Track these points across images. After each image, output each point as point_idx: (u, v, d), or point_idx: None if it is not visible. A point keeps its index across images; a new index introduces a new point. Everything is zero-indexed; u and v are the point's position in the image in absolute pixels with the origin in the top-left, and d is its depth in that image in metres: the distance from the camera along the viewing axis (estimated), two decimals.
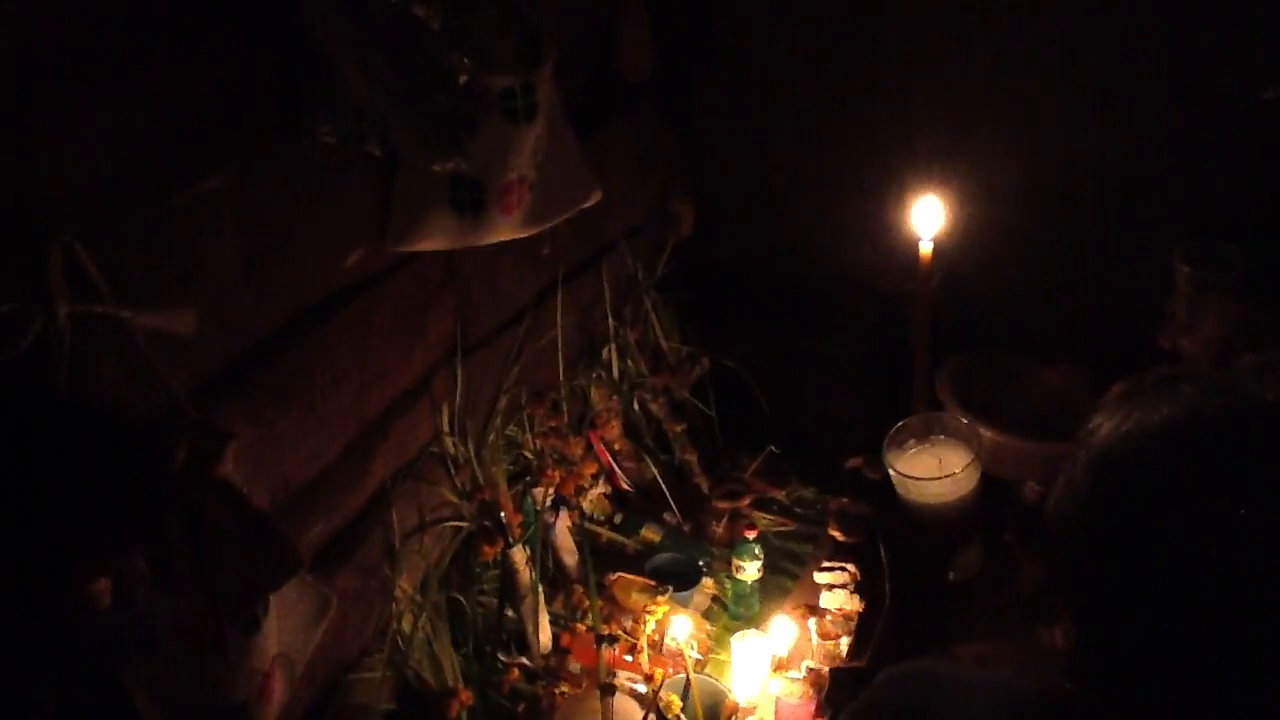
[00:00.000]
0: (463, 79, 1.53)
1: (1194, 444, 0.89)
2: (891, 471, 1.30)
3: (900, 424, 1.35)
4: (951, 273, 1.99)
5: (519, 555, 2.07)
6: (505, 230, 1.77)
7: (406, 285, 1.80)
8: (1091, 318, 2.48)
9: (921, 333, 1.46)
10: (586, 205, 1.92)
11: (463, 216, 1.69)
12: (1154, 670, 0.92)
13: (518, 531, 2.08)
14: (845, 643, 2.15)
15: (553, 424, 2.31)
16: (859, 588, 2.25)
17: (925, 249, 1.42)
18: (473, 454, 2.07)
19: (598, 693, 1.94)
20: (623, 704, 1.91)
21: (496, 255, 1.89)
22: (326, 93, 1.44)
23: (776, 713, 2.03)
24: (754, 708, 2.06)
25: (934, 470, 1.32)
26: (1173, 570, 0.87)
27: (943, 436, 1.37)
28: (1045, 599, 1.06)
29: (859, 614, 2.20)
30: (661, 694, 1.96)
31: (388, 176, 1.62)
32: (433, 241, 1.70)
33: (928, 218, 1.43)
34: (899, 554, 1.33)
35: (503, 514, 2.05)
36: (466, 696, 1.96)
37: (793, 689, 2.03)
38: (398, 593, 1.92)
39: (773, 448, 2.60)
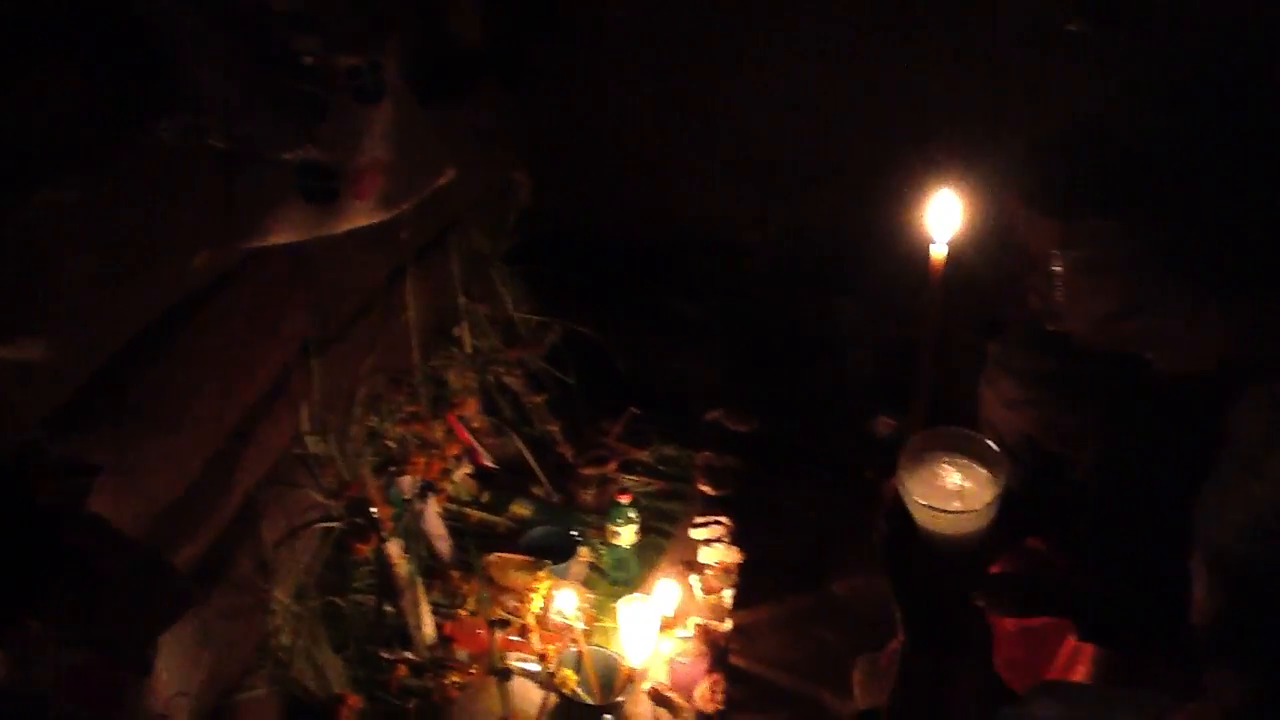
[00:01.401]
0: (308, 61, 1.43)
1: None
2: (907, 497, 1.15)
3: (912, 442, 1.19)
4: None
5: (394, 549, 2.00)
6: (360, 216, 1.68)
7: (256, 283, 1.69)
8: None
9: (929, 341, 1.33)
10: (441, 183, 1.84)
11: (315, 206, 1.60)
12: None
13: (389, 524, 2.00)
14: (729, 595, 2.19)
15: (412, 409, 2.24)
16: (735, 539, 2.30)
17: (938, 253, 1.30)
18: (336, 450, 1.98)
19: (492, 679, 1.90)
20: (519, 686, 1.89)
21: (343, 242, 1.80)
22: (163, 88, 1.32)
23: (670, 672, 2.05)
24: (647, 670, 2.07)
25: (953, 497, 1.18)
26: None
27: (957, 455, 1.22)
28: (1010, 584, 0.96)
29: (739, 565, 2.24)
30: (557, 670, 1.95)
31: (234, 170, 1.51)
32: (283, 235, 1.60)
33: (944, 217, 1.31)
34: (913, 592, 1.18)
35: (373, 509, 1.97)
36: (355, 701, 1.89)
37: (684, 647, 2.06)
38: (274, 604, 1.82)
39: (633, 409, 2.60)
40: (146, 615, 1.15)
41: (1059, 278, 1.93)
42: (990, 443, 1.18)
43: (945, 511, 1.11)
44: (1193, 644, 0.91)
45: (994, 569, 1.86)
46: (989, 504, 1.12)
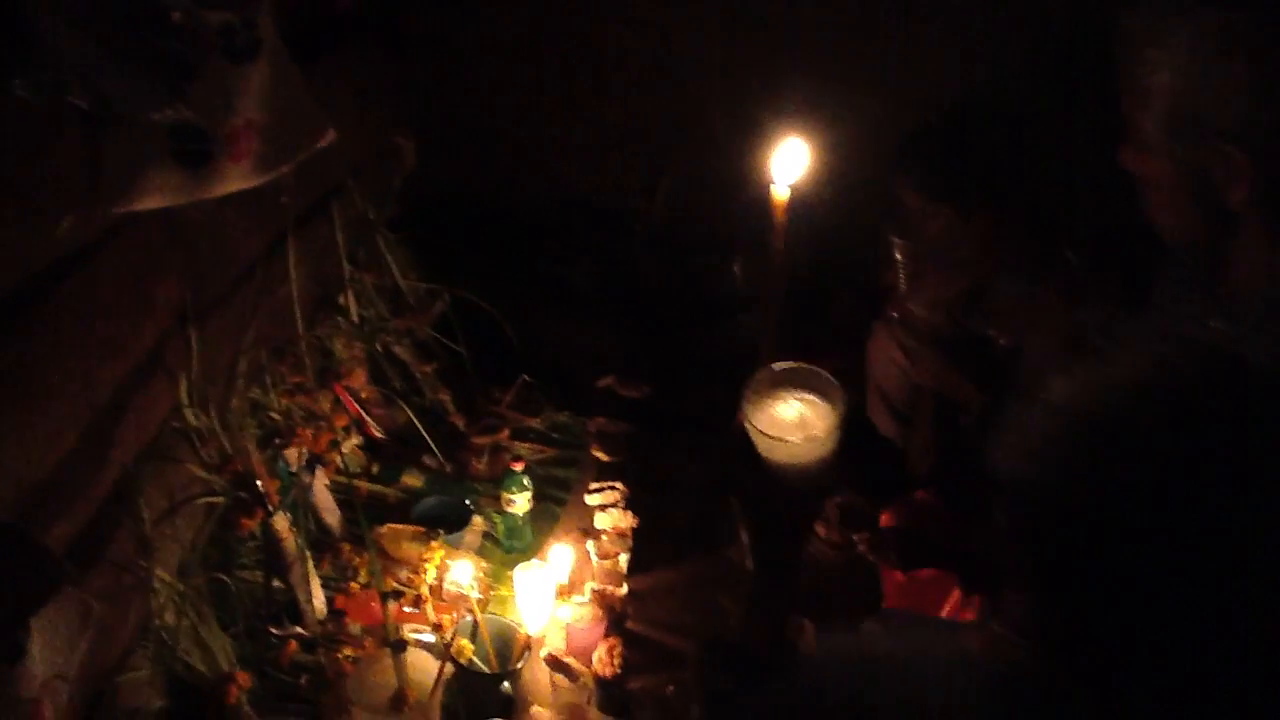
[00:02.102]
0: (176, 16, 1.37)
1: (1167, 398, 0.87)
2: (753, 431, 1.20)
3: (756, 377, 1.24)
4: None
5: (281, 523, 1.96)
6: (236, 180, 1.62)
7: (127, 251, 1.62)
8: None
9: (776, 282, 1.37)
10: (321, 146, 1.79)
11: (187, 169, 1.53)
12: (1126, 627, 0.88)
13: (276, 498, 1.96)
14: (624, 559, 2.20)
15: (297, 380, 2.19)
16: (630, 504, 2.30)
17: (780, 195, 1.32)
18: (217, 423, 1.92)
19: (387, 651, 1.88)
20: (415, 657, 1.87)
21: (221, 207, 1.73)
22: (15, 41, 1.25)
23: (568, 638, 2.05)
24: (544, 637, 2.07)
25: (794, 425, 1.23)
26: (1143, 526, 0.85)
27: (801, 390, 1.27)
28: (992, 556, 1.01)
29: (633, 530, 2.25)
30: (453, 640, 1.93)
31: (100, 131, 1.44)
32: (155, 199, 1.53)
33: (788, 162, 1.33)
34: (759, 518, 1.24)
35: (258, 482, 1.92)
36: (244, 679, 1.84)
37: (581, 613, 2.06)
38: (156, 583, 1.77)
39: (525, 377, 2.58)
40: (15, 597, 1.09)
41: (900, 267, 2.00)
42: (830, 376, 1.25)
43: (785, 440, 1.18)
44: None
45: (883, 522, 1.91)
46: (827, 433, 1.19)
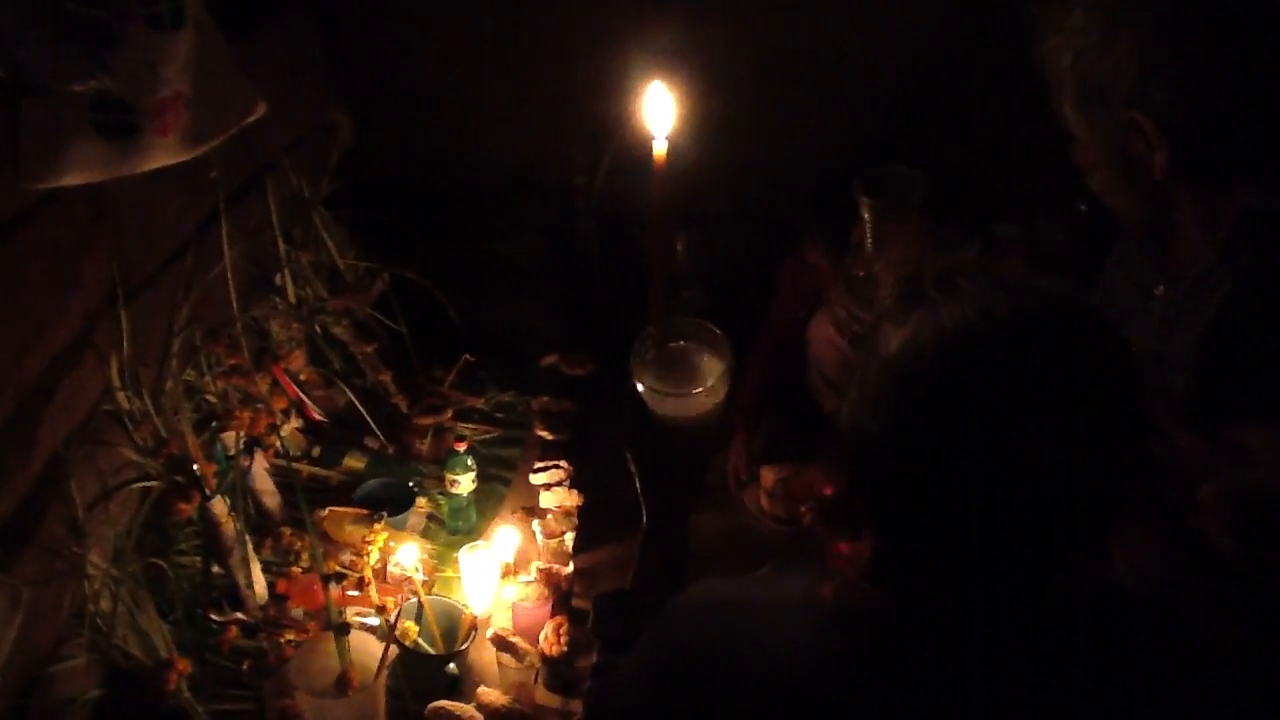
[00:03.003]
0: None
1: (989, 344, 0.89)
2: (640, 386, 1.22)
3: (644, 334, 1.27)
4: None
5: (218, 507, 1.92)
6: (163, 154, 1.58)
7: (51, 227, 1.57)
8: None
9: (659, 238, 1.38)
10: (251, 119, 1.75)
11: (112, 143, 1.49)
12: (957, 568, 0.94)
13: (213, 482, 1.92)
14: (570, 538, 2.19)
15: (233, 362, 2.14)
16: (575, 483, 2.29)
17: (659, 149, 1.30)
18: (150, 406, 1.88)
19: (330, 634, 1.85)
20: (359, 639, 1.84)
21: (149, 184, 1.69)
22: None
23: (514, 618, 2.04)
24: (490, 617, 2.06)
25: (685, 381, 1.26)
26: (973, 472, 0.88)
27: (689, 344, 1.30)
28: (841, 506, 1.05)
29: (579, 508, 2.24)
30: (397, 623, 1.91)
31: (16, 102, 1.39)
32: (78, 174, 1.49)
33: (659, 111, 1.30)
34: (651, 471, 1.27)
35: (194, 466, 1.89)
36: (184, 665, 1.81)
37: (526, 592, 2.04)
38: (89, 569, 1.72)
39: (468, 357, 2.55)
40: None
41: (866, 226, 2.00)
42: (716, 329, 1.28)
43: (670, 394, 1.20)
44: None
45: (826, 491, 1.92)
46: (711, 385, 1.21)
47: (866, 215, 2.01)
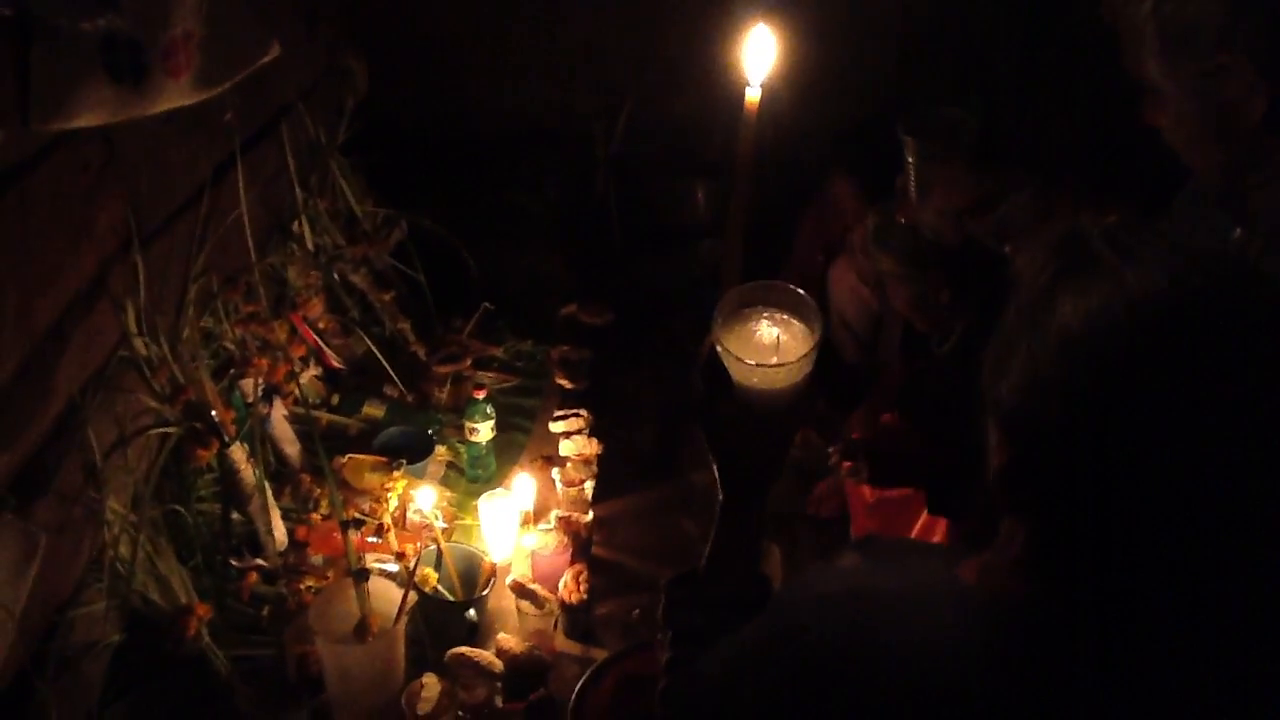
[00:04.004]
0: None
1: (1189, 318, 0.80)
2: (721, 352, 1.11)
3: (726, 296, 1.15)
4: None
5: (238, 453, 1.92)
6: (175, 96, 1.55)
7: (62, 171, 1.55)
8: None
9: (742, 194, 1.26)
10: (265, 61, 1.72)
11: (122, 84, 1.47)
12: (1129, 563, 0.83)
13: (232, 429, 1.91)
14: (589, 486, 2.18)
15: (250, 310, 2.14)
16: (594, 431, 2.28)
17: (752, 96, 1.21)
18: (168, 353, 1.87)
19: (349, 581, 1.85)
20: (378, 586, 1.84)
21: (163, 127, 1.67)
22: None
23: (533, 565, 2.04)
24: (510, 565, 2.05)
25: (769, 348, 1.15)
26: (1166, 465, 0.79)
27: (771, 309, 1.18)
28: (992, 494, 0.94)
29: (598, 456, 2.23)
30: (416, 569, 1.90)
31: (26, 42, 1.37)
32: (89, 116, 1.46)
33: (759, 56, 1.22)
34: (729, 448, 1.16)
35: (212, 412, 1.88)
36: (204, 611, 1.81)
37: (546, 540, 2.04)
38: (108, 515, 1.72)
39: (486, 305, 2.53)
40: None
41: (911, 169, 1.94)
42: (805, 295, 1.17)
43: (761, 365, 1.10)
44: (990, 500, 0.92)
45: (854, 435, 1.89)
46: (804, 357, 1.11)
47: (911, 158, 1.94)
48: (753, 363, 1.09)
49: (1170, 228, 0.84)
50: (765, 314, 1.14)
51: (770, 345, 1.12)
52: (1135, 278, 0.80)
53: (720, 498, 1.16)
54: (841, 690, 0.90)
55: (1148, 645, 0.85)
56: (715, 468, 1.16)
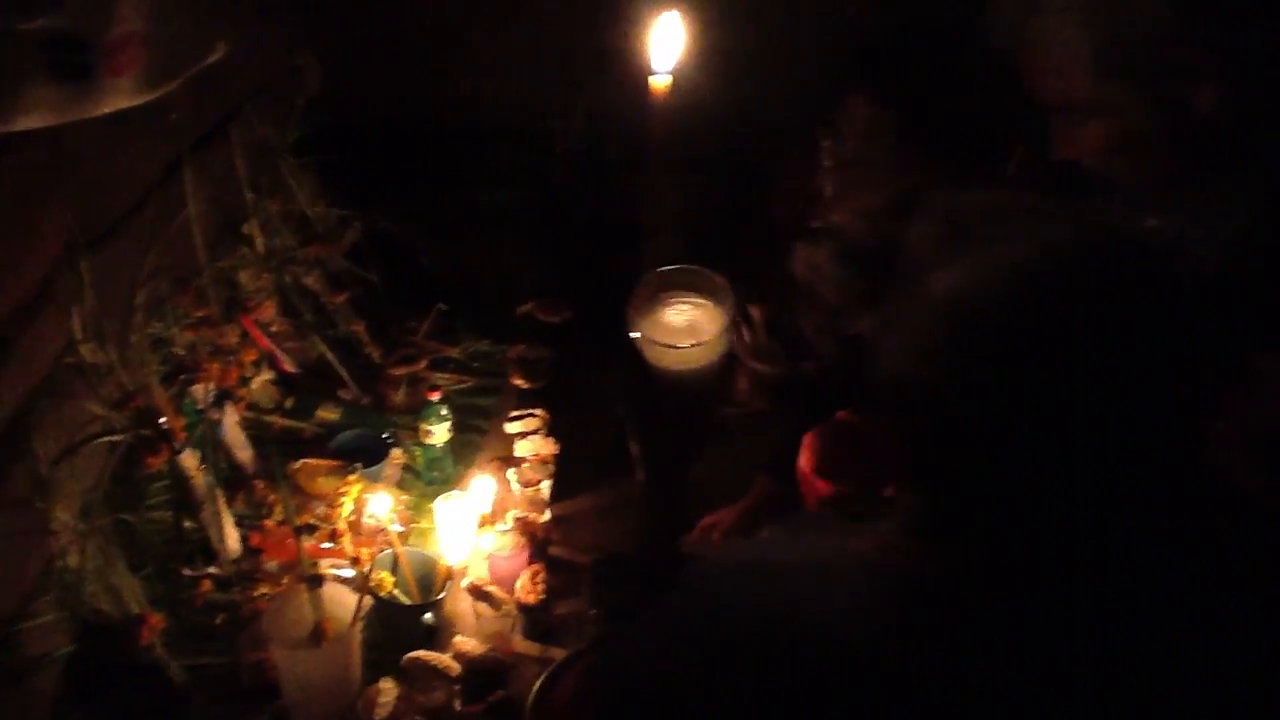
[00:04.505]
0: None
1: (1059, 278, 0.82)
2: (637, 337, 1.14)
3: (641, 281, 1.19)
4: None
5: (189, 460, 1.89)
6: (121, 96, 1.53)
7: (6, 174, 1.53)
8: None
9: (656, 180, 1.30)
10: (210, 60, 1.70)
11: (66, 84, 1.44)
12: (1017, 522, 0.87)
13: (182, 435, 1.89)
14: (546, 486, 2.17)
15: (201, 314, 2.11)
16: (551, 430, 2.27)
17: (659, 83, 1.23)
18: (116, 359, 1.84)
19: (303, 587, 1.83)
20: (333, 591, 1.82)
21: (111, 128, 1.64)
22: None
23: (490, 567, 2.03)
24: (467, 567, 2.04)
25: (685, 333, 1.17)
26: (1043, 418, 0.81)
27: (687, 292, 1.21)
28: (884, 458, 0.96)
29: (555, 456, 2.22)
30: (371, 574, 1.89)
31: None
32: (32, 117, 1.44)
33: (666, 42, 1.23)
34: (649, 429, 1.18)
35: (162, 419, 1.85)
36: (156, 620, 1.79)
37: (503, 541, 2.03)
38: (56, 525, 1.70)
39: (441, 305, 2.52)
40: None
41: (827, 170, 1.95)
42: (717, 276, 1.20)
43: (675, 347, 1.12)
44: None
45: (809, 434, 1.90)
46: (716, 336, 1.14)
47: (827, 160, 1.96)
48: (668, 345, 1.12)
49: (1048, 201, 0.86)
50: (679, 298, 1.17)
51: (684, 327, 1.15)
52: (1007, 246, 0.83)
53: (643, 478, 1.18)
54: (747, 660, 0.92)
55: (1036, 607, 0.88)
56: (637, 449, 1.18)
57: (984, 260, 0.84)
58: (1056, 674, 0.88)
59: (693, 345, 1.13)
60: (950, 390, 0.84)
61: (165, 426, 1.85)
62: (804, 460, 1.89)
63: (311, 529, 1.99)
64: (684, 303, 1.18)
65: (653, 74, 1.21)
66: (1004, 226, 0.85)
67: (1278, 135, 1.24)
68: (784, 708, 0.90)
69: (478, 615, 1.96)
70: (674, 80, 1.22)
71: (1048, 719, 0.88)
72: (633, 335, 1.14)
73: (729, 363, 1.17)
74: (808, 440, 1.96)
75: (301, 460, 2.16)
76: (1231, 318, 1.21)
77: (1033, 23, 1.27)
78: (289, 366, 2.37)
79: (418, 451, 2.26)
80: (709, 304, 1.17)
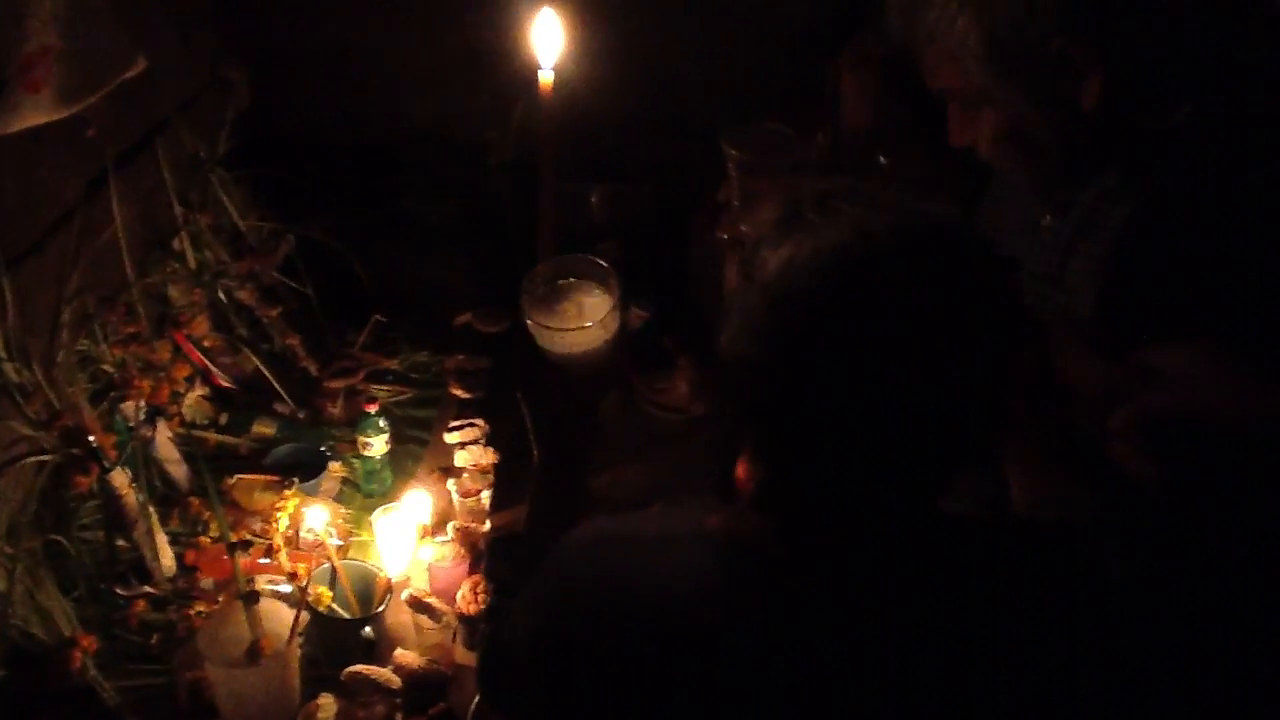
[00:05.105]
0: None
1: (865, 261, 0.87)
2: (530, 323, 1.20)
3: (532, 271, 1.25)
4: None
5: (119, 479, 1.87)
6: (36, 113, 1.51)
7: None
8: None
9: (547, 174, 1.33)
10: (129, 75, 1.68)
11: None
12: (840, 494, 0.93)
13: (113, 454, 1.87)
14: (487, 496, 2.16)
15: (131, 330, 2.08)
16: (490, 440, 2.27)
17: (545, 78, 1.27)
18: (41, 378, 1.81)
19: (240, 604, 1.81)
20: (270, 608, 1.81)
21: (29, 144, 1.62)
22: None
23: (431, 578, 2.02)
24: (407, 579, 2.03)
25: (574, 317, 1.24)
26: (851, 393, 0.87)
27: (579, 280, 1.28)
28: (729, 435, 1.02)
29: (494, 466, 2.22)
30: (309, 588, 1.87)
31: None
32: None
33: (547, 39, 1.27)
34: (543, 409, 1.24)
35: (91, 438, 1.83)
36: (89, 643, 1.77)
37: (443, 552, 2.02)
38: None
39: (378, 317, 2.50)
40: None
41: (733, 182, 1.97)
42: (602, 261, 1.26)
43: (564, 330, 1.18)
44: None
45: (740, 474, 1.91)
46: (603, 319, 1.19)
47: (733, 171, 1.98)
48: (557, 330, 1.17)
49: (888, 193, 0.92)
50: (569, 285, 1.23)
51: (574, 312, 1.20)
52: (825, 230, 0.89)
53: (537, 460, 1.24)
54: (595, 626, 0.98)
55: (870, 574, 0.94)
56: (531, 433, 1.23)
57: (803, 243, 0.89)
58: (891, 646, 0.93)
59: (579, 328, 1.19)
60: (774, 365, 0.90)
61: (94, 445, 1.83)
62: (741, 469, 1.91)
63: (247, 545, 1.97)
64: (573, 289, 1.25)
65: (540, 70, 1.24)
66: (828, 214, 0.91)
67: (1162, 131, 1.27)
68: (630, 673, 0.96)
69: (418, 627, 1.95)
70: (559, 76, 1.25)
71: (884, 689, 0.93)
72: (525, 321, 1.20)
73: (619, 346, 1.23)
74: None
75: (237, 476, 2.13)
76: (1120, 313, 1.25)
77: (927, 12, 1.31)
78: (224, 381, 2.34)
79: (356, 464, 2.24)
80: (596, 289, 1.24)
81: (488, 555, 1.30)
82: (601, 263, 1.24)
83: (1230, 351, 1.15)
